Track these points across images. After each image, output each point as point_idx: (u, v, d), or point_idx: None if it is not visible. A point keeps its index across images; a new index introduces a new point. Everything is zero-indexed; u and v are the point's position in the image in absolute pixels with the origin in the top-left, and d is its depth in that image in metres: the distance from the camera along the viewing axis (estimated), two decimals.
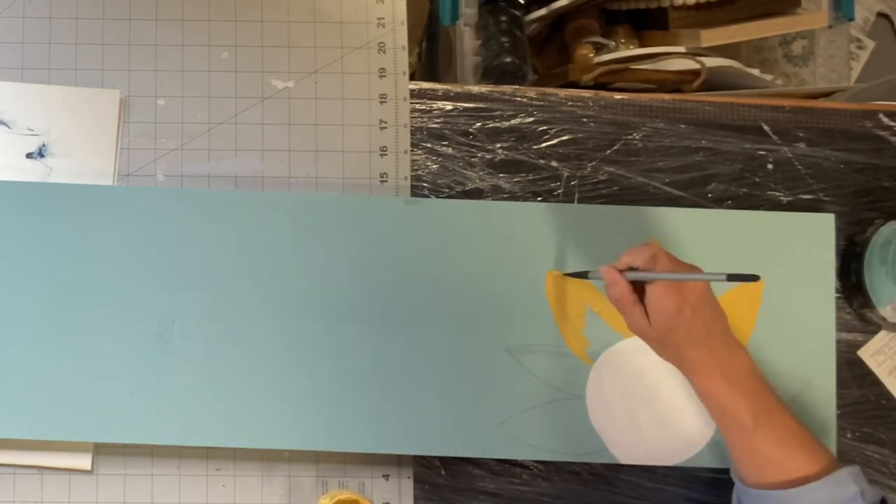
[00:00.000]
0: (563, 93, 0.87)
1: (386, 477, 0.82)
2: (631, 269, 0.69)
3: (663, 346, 0.69)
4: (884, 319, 0.83)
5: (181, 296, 0.80)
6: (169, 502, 0.81)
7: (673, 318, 0.67)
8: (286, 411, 0.79)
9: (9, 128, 0.83)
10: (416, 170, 0.85)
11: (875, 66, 1.32)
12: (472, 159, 0.85)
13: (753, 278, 0.62)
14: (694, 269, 0.68)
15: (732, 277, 0.63)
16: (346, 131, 0.85)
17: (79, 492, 0.80)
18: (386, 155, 0.85)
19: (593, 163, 0.86)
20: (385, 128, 0.85)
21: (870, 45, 1.33)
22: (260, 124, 0.85)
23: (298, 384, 0.79)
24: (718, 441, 0.81)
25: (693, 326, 0.67)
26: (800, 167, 0.87)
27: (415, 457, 0.82)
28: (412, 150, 0.85)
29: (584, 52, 1.00)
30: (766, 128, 0.87)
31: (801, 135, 0.87)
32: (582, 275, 0.78)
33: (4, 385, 0.78)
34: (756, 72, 1.00)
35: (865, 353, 0.85)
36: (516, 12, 0.96)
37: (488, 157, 0.85)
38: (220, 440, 0.79)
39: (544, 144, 0.86)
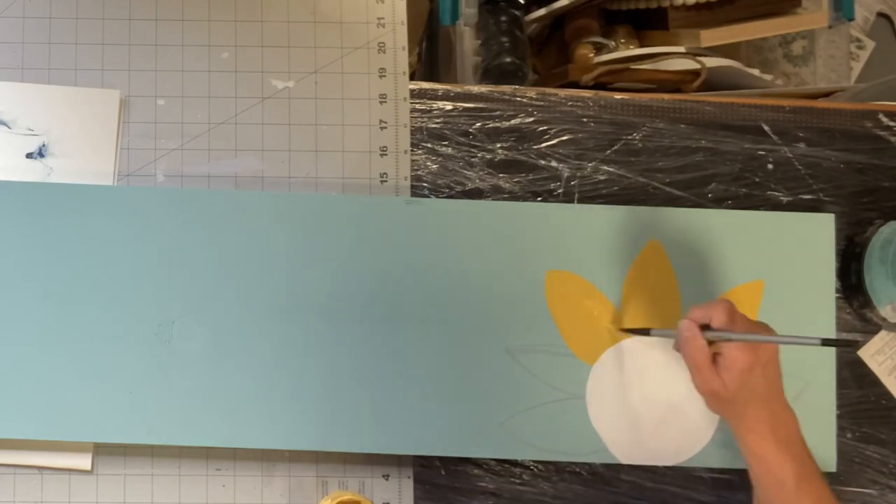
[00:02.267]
0: (563, 93, 0.87)
1: (386, 477, 0.82)
2: (704, 325, 0.69)
3: (727, 405, 0.69)
4: (884, 319, 0.83)
5: (181, 296, 0.80)
6: (169, 502, 0.81)
7: (745, 375, 0.67)
8: (286, 411, 0.79)
9: (9, 128, 0.83)
10: (416, 170, 0.85)
11: (875, 66, 1.32)
12: (472, 159, 0.85)
13: (850, 344, 0.63)
14: (766, 328, 0.69)
15: (828, 343, 0.64)
16: (346, 131, 0.85)
17: (79, 492, 0.80)
18: (386, 155, 0.85)
19: (593, 163, 0.86)
20: (385, 128, 0.85)
21: (870, 45, 1.33)
22: (260, 124, 0.85)
23: (298, 384, 0.79)
24: (718, 441, 0.81)
25: (759, 385, 0.68)
26: (800, 167, 0.87)
27: (415, 457, 0.82)
28: (412, 150, 0.85)
29: (584, 52, 1.00)
30: (766, 128, 0.87)
31: (801, 135, 0.87)
32: (643, 332, 0.79)
33: (4, 385, 0.78)
34: (756, 72, 1.00)
35: (865, 353, 0.85)
36: (516, 12, 0.96)
37: (488, 157, 0.85)
38: (220, 440, 0.79)
39: (544, 144, 0.86)
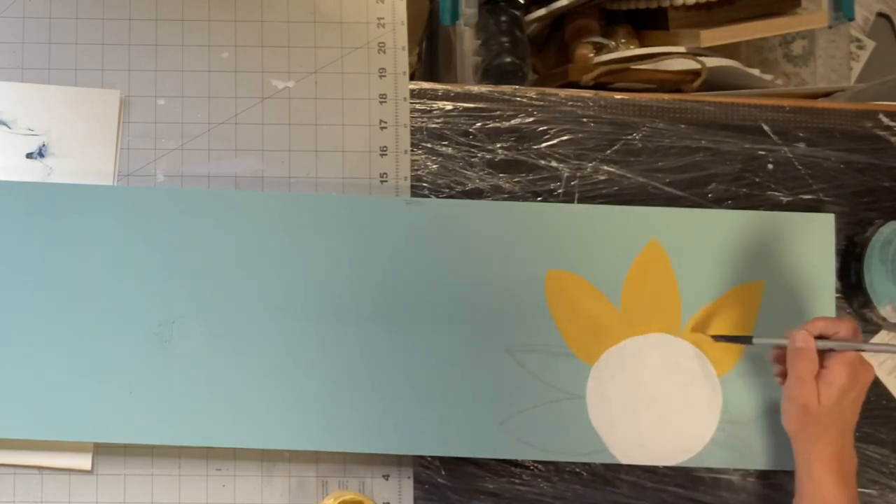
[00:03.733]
0: (563, 93, 0.87)
1: (386, 477, 0.82)
2: (820, 337, 0.70)
3: (810, 418, 0.70)
4: (884, 319, 0.83)
5: (181, 296, 0.80)
6: (169, 502, 0.81)
7: (842, 394, 0.68)
8: (286, 411, 0.79)
9: (9, 128, 0.83)
10: (416, 170, 0.85)
11: (875, 66, 1.32)
12: (472, 159, 0.85)
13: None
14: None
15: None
16: (346, 131, 0.85)
17: (79, 492, 0.80)
18: (386, 155, 0.85)
19: (593, 163, 0.86)
20: (385, 128, 0.85)
21: (870, 45, 1.33)
22: (260, 124, 0.85)
23: (298, 384, 0.79)
24: (718, 441, 0.81)
25: (845, 412, 0.69)
26: (800, 167, 0.87)
27: (415, 457, 0.82)
28: (412, 150, 0.85)
29: (584, 52, 1.00)
30: (766, 128, 0.87)
31: (801, 135, 0.87)
32: (744, 340, 0.78)
33: (4, 385, 0.78)
34: (756, 72, 1.00)
35: (865, 353, 0.85)
36: (516, 12, 0.96)
37: (488, 157, 0.85)
38: (220, 440, 0.79)
39: (544, 144, 0.86)
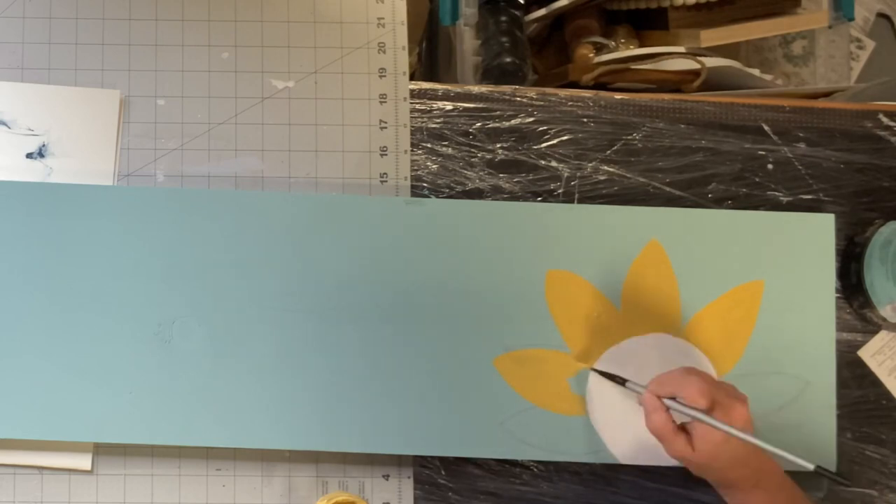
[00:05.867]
0: (563, 93, 0.87)
1: (386, 477, 0.82)
2: (673, 398, 0.69)
3: (703, 469, 0.69)
4: (884, 319, 0.83)
5: (181, 296, 0.80)
6: (169, 502, 0.81)
7: (720, 445, 0.67)
8: (286, 411, 0.79)
9: (9, 128, 0.83)
10: (416, 170, 0.85)
11: (875, 66, 1.32)
12: (472, 159, 0.85)
13: (844, 484, 0.63)
14: (737, 398, 0.68)
15: (822, 472, 0.63)
16: (346, 131, 0.85)
17: (79, 492, 0.80)
18: (386, 155, 0.85)
19: (593, 163, 0.86)
20: (385, 128, 0.85)
21: (870, 45, 1.33)
22: (260, 124, 0.85)
23: (298, 384, 0.79)
24: None
25: (737, 450, 0.68)
26: (800, 167, 0.87)
27: (415, 457, 0.82)
28: (412, 150, 0.85)
29: (584, 52, 1.00)
30: (766, 128, 0.87)
31: (801, 135, 0.87)
32: (618, 380, 0.77)
33: (4, 385, 0.78)
34: (756, 72, 1.00)
35: (865, 353, 0.85)
36: (516, 12, 0.96)
37: (488, 157, 0.85)
38: (220, 440, 0.79)
39: (544, 144, 0.86)
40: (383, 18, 0.87)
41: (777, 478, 0.69)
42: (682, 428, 0.69)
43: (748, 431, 0.67)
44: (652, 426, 0.70)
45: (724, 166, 0.86)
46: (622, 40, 1.03)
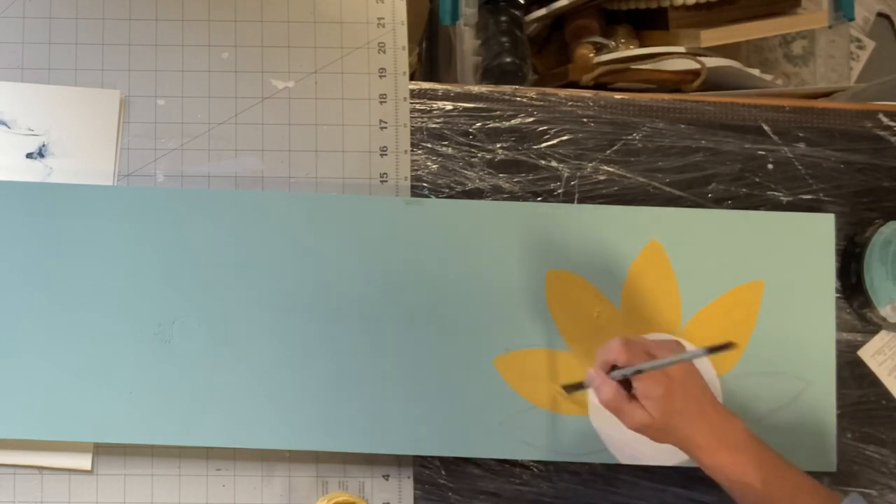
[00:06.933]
0: (563, 93, 0.87)
1: (386, 477, 0.82)
2: (613, 367, 0.69)
3: (664, 432, 0.69)
4: (884, 319, 0.83)
5: (181, 296, 0.80)
6: (169, 502, 0.81)
7: (666, 400, 0.66)
8: (286, 411, 0.79)
9: (9, 128, 0.83)
10: (416, 170, 0.85)
11: (875, 66, 1.32)
12: (472, 159, 0.85)
13: (731, 346, 0.63)
14: (668, 345, 0.68)
15: (712, 350, 0.64)
16: (346, 131, 0.85)
17: (79, 492, 0.80)
18: (386, 155, 0.85)
19: (593, 163, 0.86)
20: (385, 128, 0.85)
21: (870, 45, 1.33)
22: (260, 124, 0.85)
23: (298, 384, 0.79)
24: None
25: (686, 405, 0.67)
26: (800, 167, 0.87)
27: (415, 457, 0.82)
28: (412, 150, 0.85)
29: (584, 52, 1.00)
30: (766, 128, 0.87)
31: (801, 135, 0.87)
32: (579, 386, 0.77)
33: (4, 385, 0.78)
34: (756, 72, 1.00)
35: (865, 353, 0.85)
36: (516, 12, 0.96)
37: (488, 157, 0.85)
38: (220, 440, 0.79)
39: (544, 144, 0.86)
40: (383, 18, 0.87)
41: (740, 434, 0.68)
42: (634, 398, 0.68)
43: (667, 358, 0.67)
44: (605, 400, 0.69)
45: (724, 166, 0.86)
46: (622, 40, 1.03)
